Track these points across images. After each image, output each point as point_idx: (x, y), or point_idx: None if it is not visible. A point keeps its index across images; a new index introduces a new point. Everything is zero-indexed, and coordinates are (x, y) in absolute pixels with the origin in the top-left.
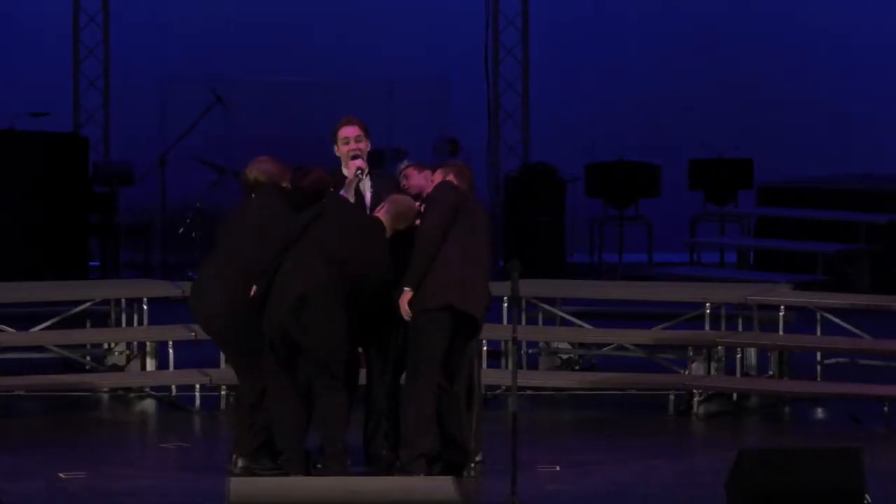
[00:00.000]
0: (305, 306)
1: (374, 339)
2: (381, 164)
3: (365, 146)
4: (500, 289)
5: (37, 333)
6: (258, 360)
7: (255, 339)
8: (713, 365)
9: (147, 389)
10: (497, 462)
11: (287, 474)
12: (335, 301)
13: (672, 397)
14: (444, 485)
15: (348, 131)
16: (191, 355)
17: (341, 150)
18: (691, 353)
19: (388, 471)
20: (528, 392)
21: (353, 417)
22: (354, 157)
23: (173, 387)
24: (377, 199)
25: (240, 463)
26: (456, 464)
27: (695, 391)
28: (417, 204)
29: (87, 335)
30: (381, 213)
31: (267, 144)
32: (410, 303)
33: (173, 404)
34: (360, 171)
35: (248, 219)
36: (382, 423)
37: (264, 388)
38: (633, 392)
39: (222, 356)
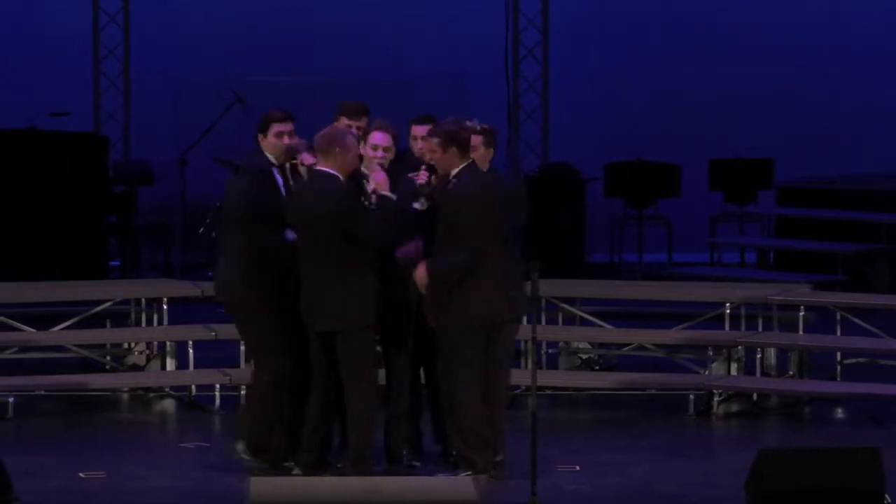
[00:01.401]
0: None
1: (392, 338)
2: (404, 163)
3: (390, 156)
4: None
5: (57, 333)
6: (274, 348)
7: (270, 326)
8: (733, 365)
9: (167, 389)
10: (517, 462)
11: (293, 471)
12: (343, 276)
13: (692, 397)
14: (463, 485)
15: (380, 139)
16: (210, 355)
17: (367, 152)
18: (711, 353)
19: (407, 470)
20: (548, 392)
21: (376, 416)
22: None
23: (193, 387)
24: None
25: (239, 446)
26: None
27: (715, 391)
28: (431, 177)
29: (106, 335)
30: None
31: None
32: (442, 311)
33: (193, 404)
34: (373, 195)
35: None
36: (402, 423)
37: (276, 381)
38: (653, 392)
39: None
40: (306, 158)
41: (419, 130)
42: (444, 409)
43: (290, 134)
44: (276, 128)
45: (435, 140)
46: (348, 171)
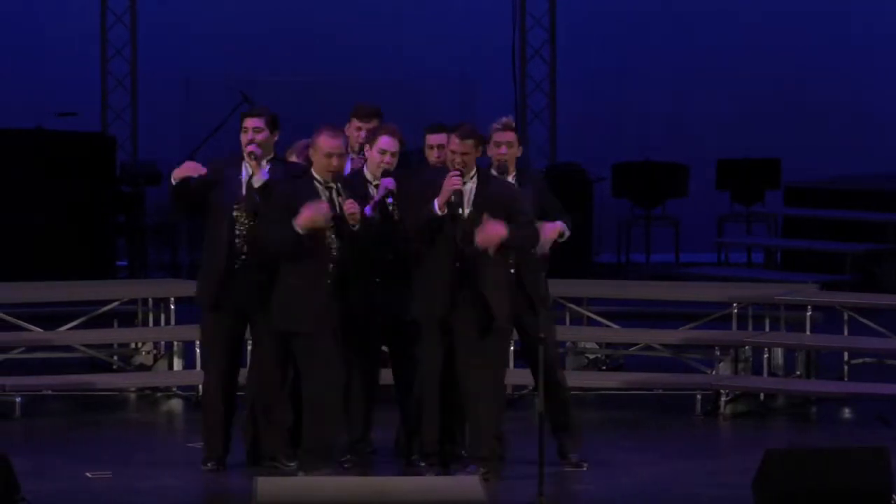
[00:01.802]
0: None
1: (395, 338)
2: (408, 166)
3: (395, 161)
4: None
5: (64, 333)
6: (215, 352)
7: (215, 327)
8: (740, 365)
9: (174, 389)
10: (524, 462)
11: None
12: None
13: (699, 397)
14: (470, 485)
15: (388, 144)
16: None
17: (374, 156)
18: (718, 353)
19: (416, 470)
20: None
21: (383, 416)
22: (385, 174)
23: (200, 387)
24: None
25: (209, 465)
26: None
27: (722, 391)
28: (459, 178)
29: (114, 335)
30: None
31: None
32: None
33: (200, 404)
34: (381, 203)
35: None
36: (411, 424)
37: (217, 384)
38: (660, 392)
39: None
40: (251, 148)
41: (435, 139)
42: (471, 409)
43: (256, 129)
44: (243, 122)
45: (470, 142)
46: (325, 172)
